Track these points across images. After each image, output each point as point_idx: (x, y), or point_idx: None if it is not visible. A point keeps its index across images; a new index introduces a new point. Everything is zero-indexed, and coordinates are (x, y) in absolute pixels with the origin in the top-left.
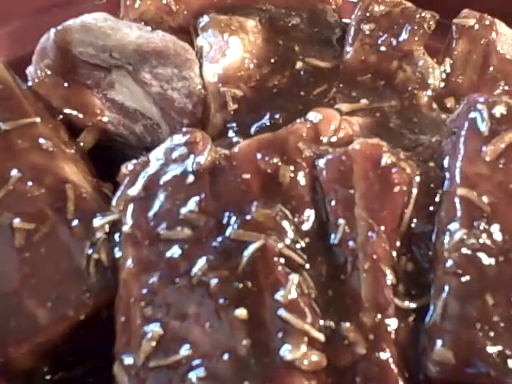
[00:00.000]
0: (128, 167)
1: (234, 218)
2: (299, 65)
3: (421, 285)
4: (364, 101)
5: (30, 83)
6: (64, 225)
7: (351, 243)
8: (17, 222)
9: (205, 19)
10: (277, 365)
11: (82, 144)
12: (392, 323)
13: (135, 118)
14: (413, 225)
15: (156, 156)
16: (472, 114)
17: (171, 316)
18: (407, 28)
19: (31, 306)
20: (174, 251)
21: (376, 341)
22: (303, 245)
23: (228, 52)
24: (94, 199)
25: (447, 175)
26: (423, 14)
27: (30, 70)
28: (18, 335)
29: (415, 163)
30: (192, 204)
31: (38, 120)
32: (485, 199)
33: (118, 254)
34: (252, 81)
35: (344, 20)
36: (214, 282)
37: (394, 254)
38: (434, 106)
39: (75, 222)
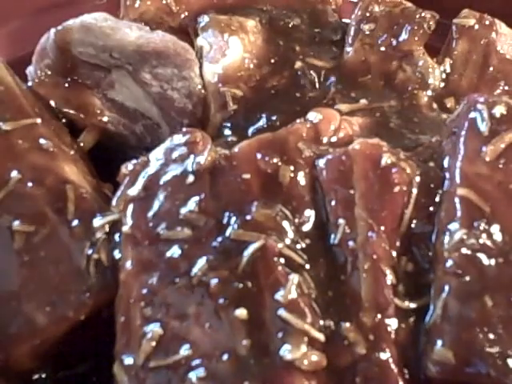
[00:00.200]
0: (128, 167)
1: (234, 218)
2: (299, 65)
3: (421, 285)
4: (363, 101)
5: (30, 83)
6: (64, 225)
7: (351, 243)
8: (16, 224)
9: (205, 19)
10: (277, 365)
11: (82, 144)
12: (392, 323)
13: (135, 118)
14: (413, 225)
15: (156, 156)
16: (472, 114)
17: (171, 316)
18: (407, 28)
19: (31, 308)
20: (174, 251)
21: (376, 341)
22: (303, 245)
23: (228, 52)
24: (94, 199)
25: (447, 175)
26: (423, 14)
27: (30, 69)
28: (17, 336)
29: (415, 163)
30: (192, 204)
31: (38, 121)
32: (485, 199)
33: (117, 254)
34: (252, 81)
35: (344, 20)
36: (213, 282)
37: (394, 254)
38: (434, 105)
39: (75, 223)
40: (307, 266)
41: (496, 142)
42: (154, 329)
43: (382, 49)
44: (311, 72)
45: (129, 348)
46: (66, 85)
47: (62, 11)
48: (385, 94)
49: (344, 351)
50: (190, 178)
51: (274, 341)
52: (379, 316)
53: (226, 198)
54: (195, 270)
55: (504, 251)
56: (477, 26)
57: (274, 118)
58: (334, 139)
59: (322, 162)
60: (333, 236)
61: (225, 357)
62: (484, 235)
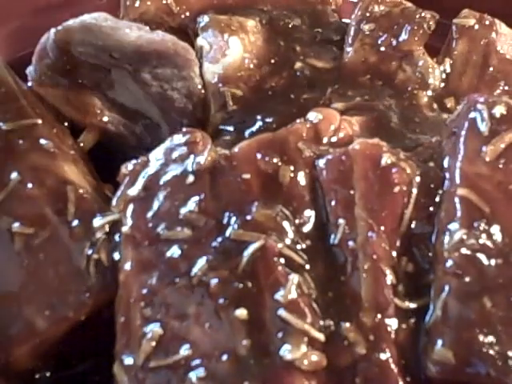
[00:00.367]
0: (128, 167)
1: (234, 218)
2: (299, 65)
3: (421, 285)
4: (358, 99)
5: (30, 83)
6: (64, 226)
7: (351, 243)
8: (16, 226)
9: (205, 19)
10: (277, 365)
11: (82, 144)
12: (392, 323)
13: (135, 118)
14: (413, 225)
15: (156, 156)
16: (472, 114)
17: (171, 316)
18: (407, 28)
19: (31, 309)
20: (174, 251)
21: (376, 341)
22: (303, 245)
23: (228, 52)
24: (94, 199)
25: (447, 175)
26: (423, 14)
27: (30, 69)
28: (18, 336)
29: (415, 163)
30: (192, 204)
31: (39, 121)
32: (485, 199)
33: (117, 254)
34: (252, 81)
35: (344, 20)
36: (213, 282)
37: (394, 254)
38: (434, 106)
39: (75, 223)
40: (307, 266)
41: (496, 142)
42: (154, 329)
43: (382, 49)
44: (311, 72)
45: (129, 348)
46: (66, 85)
47: (62, 11)
48: (385, 94)
49: (344, 351)
50: (190, 178)
51: (274, 341)
52: (379, 316)
53: (226, 198)
54: (195, 270)
55: (504, 251)
56: (477, 26)
57: (273, 117)
58: (334, 139)
59: (322, 162)
60: (333, 236)
61: (225, 357)
62: (484, 235)
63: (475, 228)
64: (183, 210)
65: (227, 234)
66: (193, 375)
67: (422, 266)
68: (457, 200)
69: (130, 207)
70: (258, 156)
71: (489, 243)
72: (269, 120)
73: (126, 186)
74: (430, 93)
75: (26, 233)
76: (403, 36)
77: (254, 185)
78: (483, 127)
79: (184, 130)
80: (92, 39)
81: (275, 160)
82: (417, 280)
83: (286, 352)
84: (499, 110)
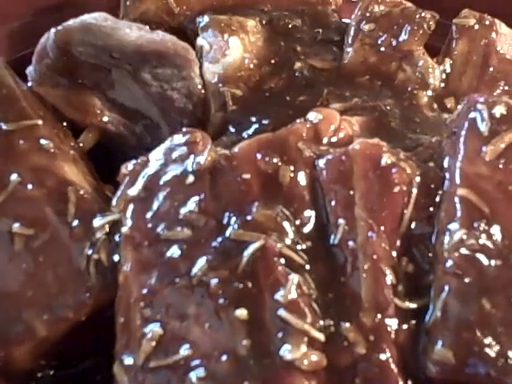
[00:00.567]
0: (128, 167)
1: (234, 219)
2: (299, 65)
3: (421, 285)
4: (356, 99)
5: (30, 83)
6: (64, 226)
7: (351, 243)
8: (16, 226)
9: (205, 19)
10: (277, 365)
11: (82, 144)
12: (392, 323)
13: (135, 118)
14: (413, 225)
15: (156, 156)
16: (472, 114)
17: (171, 316)
18: (407, 28)
19: (31, 310)
20: (174, 251)
21: (376, 341)
22: (303, 245)
23: (228, 52)
24: (94, 200)
25: (447, 175)
26: (423, 14)
27: (30, 69)
28: (18, 336)
29: (415, 163)
30: (192, 204)
31: (39, 122)
32: (485, 199)
33: (117, 254)
34: (252, 81)
35: (344, 20)
36: (213, 282)
37: (394, 254)
38: (434, 106)
39: (75, 223)
40: (307, 267)
41: (496, 142)
42: (154, 329)
43: (382, 49)
44: (311, 72)
45: (129, 348)
46: (66, 85)
47: (61, 11)
48: (385, 94)
49: (344, 351)
50: (190, 178)
51: (274, 341)
52: (379, 316)
53: (226, 198)
54: (195, 270)
55: (504, 251)
56: (477, 26)
57: (274, 118)
58: (334, 139)
59: (322, 162)
60: (333, 236)
61: (225, 357)
62: (484, 235)
63: (475, 228)
64: (183, 210)
65: (227, 234)
66: (193, 375)
67: (422, 266)
68: (457, 200)
69: (130, 207)
70: (258, 156)
71: (489, 243)
72: (269, 120)
73: (126, 186)
74: (430, 93)
75: (26, 233)
76: (403, 36)
77: (254, 185)
78: (483, 127)
79: (184, 130)
80: (92, 39)
81: (275, 160)
82: (417, 280)
83: (286, 352)
84: (499, 110)
